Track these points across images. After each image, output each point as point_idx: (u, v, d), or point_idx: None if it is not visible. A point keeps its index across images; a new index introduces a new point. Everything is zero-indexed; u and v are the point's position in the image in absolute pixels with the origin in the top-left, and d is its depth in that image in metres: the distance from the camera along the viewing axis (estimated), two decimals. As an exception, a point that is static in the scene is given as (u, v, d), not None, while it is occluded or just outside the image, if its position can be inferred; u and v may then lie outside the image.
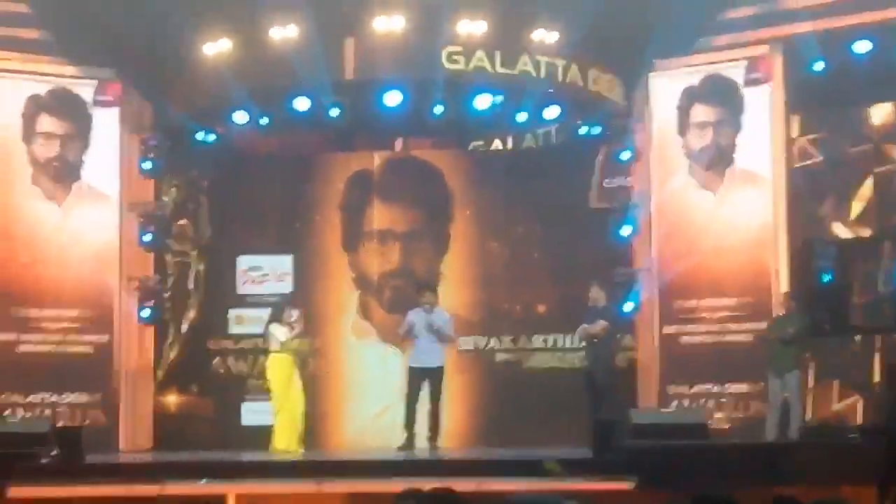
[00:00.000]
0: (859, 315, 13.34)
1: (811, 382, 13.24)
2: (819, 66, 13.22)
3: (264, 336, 13.38)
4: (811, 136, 13.73)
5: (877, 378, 13.07)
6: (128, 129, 14.44)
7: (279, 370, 13.12)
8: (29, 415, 13.48)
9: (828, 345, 13.20)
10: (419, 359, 12.97)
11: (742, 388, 13.34)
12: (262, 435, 13.24)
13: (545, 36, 13.23)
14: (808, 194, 13.70)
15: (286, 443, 12.93)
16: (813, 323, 12.42)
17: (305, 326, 13.60)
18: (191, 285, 15.35)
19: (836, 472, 9.56)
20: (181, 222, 15.38)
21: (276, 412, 13.10)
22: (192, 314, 15.30)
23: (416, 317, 13.01)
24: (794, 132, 13.67)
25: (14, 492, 9.92)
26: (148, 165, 14.73)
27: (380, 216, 15.44)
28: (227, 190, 15.41)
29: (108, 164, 14.26)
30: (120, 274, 14.18)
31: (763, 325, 12.94)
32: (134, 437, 14.21)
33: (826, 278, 13.38)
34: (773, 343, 12.39)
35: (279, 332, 13.11)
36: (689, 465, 9.77)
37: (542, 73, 13.37)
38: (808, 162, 13.71)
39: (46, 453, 10.86)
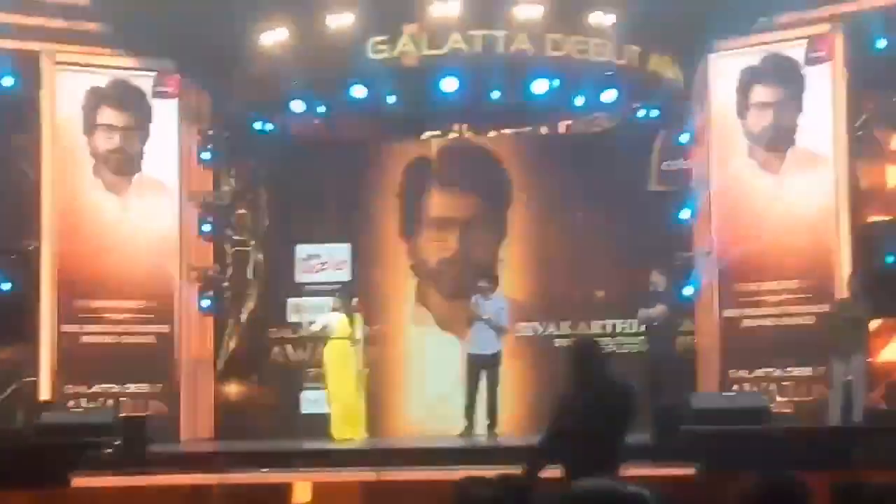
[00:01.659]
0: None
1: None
2: (882, 43, 13.02)
3: (319, 321, 13.41)
4: (873, 116, 13.51)
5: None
6: (186, 120, 14.55)
7: (336, 358, 13.17)
8: (92, 405, 13.64)
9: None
10: (477, 345, 12.96)
11: (804, 371, 13.18)
12: (322, 423, 13.30)
13: (602, 18, 13.11)
14: (871, 174, 13.49)
15: (343, 430, 12.97)
16: (876, 305, 12.24)
17: (364, 314, 13.63)
18: (250, 275, 15.43)
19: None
20: (240, 212, 15.47)
21: (332, 400, 13.15)
22: (251, 304, 15.38)
23: (474, 304, 13.00)
24: (857, 112, 13.45)
25: (78, 482, 10.03)
26: (207, 156, 14.83)
27: (437, 203, 15.42)
28: (285, 179, 15.46)
29: (168, 154, 14.37)
30: (180, 264, 14.29)
31: (825, 307, 12.79)
32: (195, 426, 14.33)
33: (890, 259, 13.20)
34: (836, 326, 12.23)
35: (332, 318, 13.18)
36: (750, 450, 9.68)
37: (600, 57, 13.26)
38: (871, 143, 13.50)
39: (110, 443, 10.97)
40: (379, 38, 12.96)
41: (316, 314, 14.05)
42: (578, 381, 6.55)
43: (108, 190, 14.21)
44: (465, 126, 15.98)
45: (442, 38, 13.03)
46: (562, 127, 15.96)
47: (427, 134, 15.93)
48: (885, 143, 13.58)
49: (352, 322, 13.38)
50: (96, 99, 14.22)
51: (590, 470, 5.92)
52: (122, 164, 14.28)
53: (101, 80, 14.26)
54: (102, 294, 14.00)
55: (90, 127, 14.19)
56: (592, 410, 6.33)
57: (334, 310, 13.42)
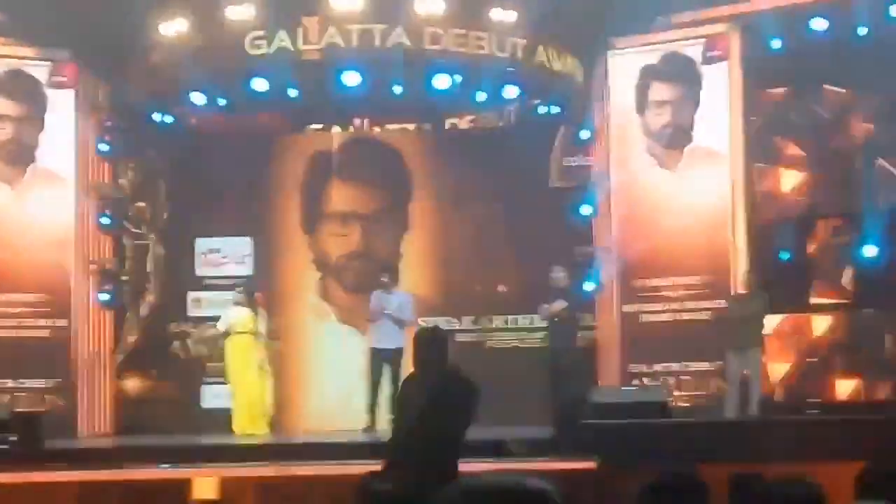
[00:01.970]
0: (816, 292, 13.49)
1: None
2: (777, 43, 13.27)
3: (222, 319, 13.32)
4: (768, 114, 13.78)
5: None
6: (84, 111, 14.31)
7: (238, 353, 13.09)
8: (-13, 401, 13.37)
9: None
10: (379, 340, 12.95)
11: (702, 365, 13.39)
12: (224, 418, 13.20)
13: (503, 15, 13.18)
14: (766, 171, 13.76)
15: (244, 425, 12.89)
16: (771, 300, 12.49)
17: (265, 308, 13.55)
18: (149, 268, 15.25)
19: (797, 448, 9.65)
20: (139, 204, 15.27)
21: (235, 395, 13.07)
22: (150, 297, 15.21)
23: (375, 299, 12.99)
24: (753, 111, 13.71)
25: (-27, 478, 9.83)
26: (104, 147, 14.61)
27: (339, 197, 15.38)
28: (184, 172, 15.30)
29: (65, 146, 14.12)
30: (77, 258, 14.06)
31: (722, 303, 13.00)
32: (94, 422, 14.13)
33: (784, 256, 13.49)
34: (733, 321, 12.44)
35: (232, 313, 13.09)
36: (650, 444, 9.81)
37: (501, 53, 13.33)
38: (766, 140, 13.77)
39: (5, 439, 10.77)
40: (280, 30, 12.89)
41: (217, 309, 13.96)
42: (421, 371, 6.47)
43: (1, 181, 13.93)
44: (366, 120, 15.97)
45: (344, 31, 13.00)
46: (463, 122, 16.03)
47: (329, 128, 15.87)
48: (780, 148, 13.88)
49: (255, 316, 13.30)
50: (-10, 88, 13.95)
51: (429, 464, 5.91)
52: (15, 155, 14.00)
53: (-5, 69, 14.00)
54: (-4, 288, 13.75)
55: (-17, 117, 13.92)
56: (433, 401, 6.25)
57: (236, 304, 13.33)
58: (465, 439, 6.23)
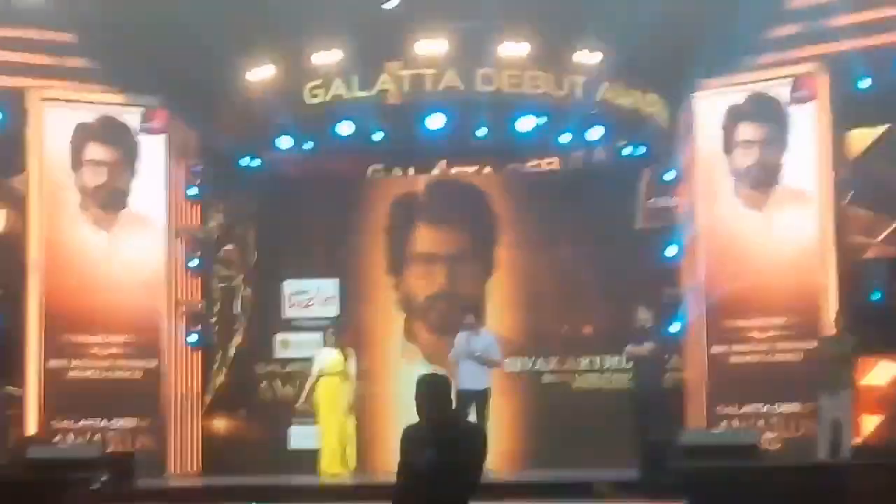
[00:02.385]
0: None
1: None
2: (865, 83, 13.15)
3: (315, 361, 13.37)
4: (857, 155, 13.62)
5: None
6: (174, 156, 14.57)
7: (325, 393, 13.15)
8: (79, 440, 13.58)
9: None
10: (465, 381, 12.93)
11: (792, 407, 13.22)
12: (310, 459, 13.27)
13: (588, 57, 13.22)
14: (856, 212, 13.58)
15: (333, 466, 12.94)
16: (863, 342, 12.30)
17: (352, 350, 13.62)
18: (237, 310, 15.42)
19: (890, 493, 9.46)
20: (227, 247, 15.47)
21: (323, 435, 13.12)
22: (238, 338, 15.37)
23: (462, 339, 13.00)
24: (842, 150, 13.55)
25: (66, 517, 9.97)
26: (194, 191, 14.85)
27: (424, 239, 15.46)
28: (272, 215, 15.47)
29: (155, 190, 14.39)
30: (168, 299, 14.28)
31: (812, 344, 12.83)
32: (183, 461, 14.28)
33: (875, 296, 13.28)
34: (824, 362, 12.26)
35: (324, 355, 13.16)
36: (739, 487, 9.67)
37: (586, 95, 13.35)
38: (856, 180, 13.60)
39: (97, 479, 10.89)
40: (364, 75, 13.04)
41: (303, 350, 14.08)
42: (425, 418, 6.28)
43: (95, 225, 14.20)
44: (451, 162, 16.05)
45: (428, 75, 13.11)
46: (548, 164, 16.03)
47: (414, 170, 15.97)
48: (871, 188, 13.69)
49: (344, 358, 13.38)
50: (83, 135, 14.23)
51: None
52: (109, 200, 14.28)
53: (89, 115, 14.28)
54: (89, 329, 13.97)
55: (77, 163, 14.20)
56: (441, 448, 6.08)
57: (327, 346, 13.40)
58: (476, 484, 6.07)
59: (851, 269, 13.30)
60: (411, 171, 15.97)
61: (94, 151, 14.29)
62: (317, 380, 13.27)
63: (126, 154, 14.37)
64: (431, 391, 6.26)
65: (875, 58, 13.13)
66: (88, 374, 13.94)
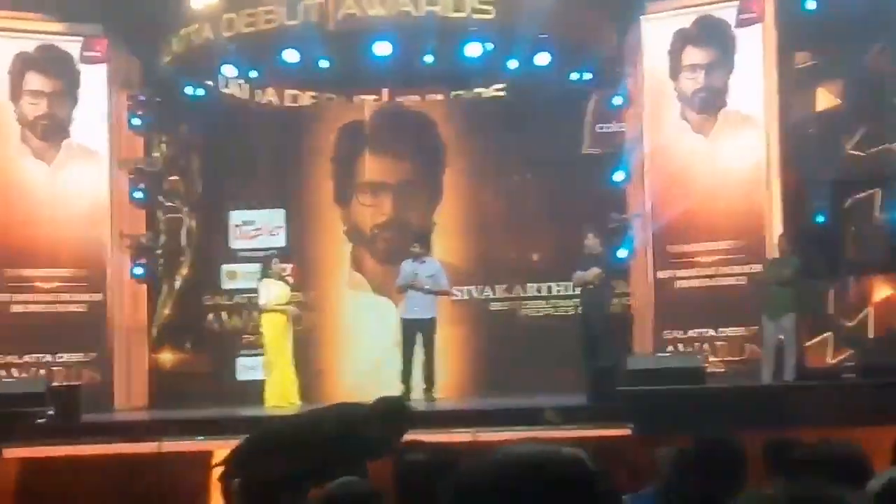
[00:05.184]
0: (852, 254, 13.33)
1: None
2: (811, 4, 13.12)
3: (262, 294, 13.27)
4: (802, 76, 13.61)
5: (871, 333, 13.03)
6: (116, 86, 14.34)
7: (273, 325, 13.09)
8: (24, 375, 13.47)
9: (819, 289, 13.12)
10: (411, 310, 12.91)
11: (737, 331, 13.32)
12: (258, 390, 13.24)
13: (536, -20, 13.09)
14: (801, 136, 13.60)
15: (278, 398, 12.90)
16: (807, 264, 12.39)
17: (298, 280, 13.55)
18: (183, 241, 15.31)
19: (831, 413, 9.58)
20: (172, 178, 15.32)
21: (270, 367, 13.08)
22: (184, 270, 15.27)
23: (408, 268, 12.96)
24: (787, 73, 13.55)
25: (10, 452, 9.91)
26: (137, 122, 14.62)
27: (371, 167, 15.37)
28: (217, 145, 15.33)
29: (97, 121, 14.16)
30: (112, 232, 14.12)
31: (758, 267, 12.91)
32: (129, 395, 14.21)
33: (819, 219, 13.36)
34: (768, 286, 12.35)
35: (273, 287, 13.07)
36: (685, 410, 9.76)
37: (532, 20, 13.23)
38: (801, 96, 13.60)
39: (42, 413, 10.84)
40: (310, 1, 12.86)
41: (250, 282, 14.00)
42: (383, 442, 6.08)
43: (36, 157, 13.99)
44: (398, 89, 15.91)
45: (374, 0, 12.95)
46: (495, 90, 15.93)
47: (360, 97, 15.83)
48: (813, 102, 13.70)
49: (290, 290, 13.29)
50: (23, 64, 13.98)
51: None
52: (49, 131, 14.06)
53: (28, 45, 14.01)
54: (33, 263, 13.81)
55: (17, 93, 13.96)
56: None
57: (271, 278, 13.27)
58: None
59: (795, 192, 13.36)
60: (357, 98, 15.83)
61: (34, 81, 14.05)
62: (262, 312, 13.19)
63: (67, 84, 14.13)
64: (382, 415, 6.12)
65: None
66: (32, 308, 13.80)
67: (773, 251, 12.79)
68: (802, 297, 12.40)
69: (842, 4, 13.04)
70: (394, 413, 6.52)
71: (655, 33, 13.93)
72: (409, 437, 6.08)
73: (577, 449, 2.29)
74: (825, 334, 13.11)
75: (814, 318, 13.03)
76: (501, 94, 15.77)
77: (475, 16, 13.18)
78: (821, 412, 9.67)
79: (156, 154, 15.10)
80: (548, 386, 12.88)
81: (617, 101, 14.49)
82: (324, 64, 13.78)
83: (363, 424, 6.38)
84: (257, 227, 15.27)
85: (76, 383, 13.08)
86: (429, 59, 13.79)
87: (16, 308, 13.76)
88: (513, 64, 14.17)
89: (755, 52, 13.43)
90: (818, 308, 13.03)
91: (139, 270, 14.53)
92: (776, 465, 5.27)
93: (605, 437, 9.46)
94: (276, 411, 12.61)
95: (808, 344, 12.74)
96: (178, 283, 15.20)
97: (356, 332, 15.06)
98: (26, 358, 13.67)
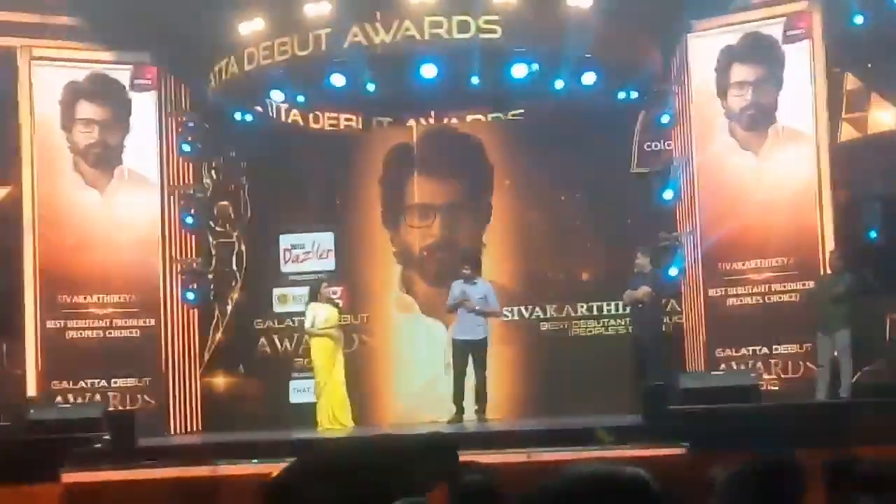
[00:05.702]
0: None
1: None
2: (859, 19, 13.04)
3: (309, 318, 13.30)
4: (853, 91, 13.52)
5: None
6: (165, 113, 14.49)
7: (322, 348, 13.12)
8: (80, 400, 13.59)
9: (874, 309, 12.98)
10: (463, 332, 12.92)
11: (791, 348, 13.22)
12: (311, 413, 13.27)
13: (580, 1, 13.08)
14: (852, 150, 13.50)
15: (330, 420, 12.92)
16: (860, 280, 12.28)
17: (348, 303, 13.58)
18: (234, 266, 15.39)
19: (891, 431, 9.47)
20: (222, 203, 15.42)
21: (320, 390, 13.10)
22: (236, 295, 15.36)
23: (457, 289, 12.97)
24: (836, 88, 13.46)
25: (68, 477, 9.99)
26: (187, 148, 14.74)
27: (420, 189, 15.40)
28: (266, 169, 15.42)
29: (148, 147, 14.34)
30: (163, 257, 14.25)
31: (810, 284, 12.82)
32: (183, 419, 14.30)
33: (873, 235, 13.24)
34: (821, 302, 12.25)
35: (320, 311, 13.11)
36: (739, 428, 9.69)
37: (578, 39, 13.22)
38: (853, 116, 13.51)
39: (99, 438, 10.92)
40: (356, 26, 12.91)
41: (301, 306, 14.05)
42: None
43: (88, 185, 14.16)
44: (445, 112, 15.93)
45: (419, 24, 12.98)
46: (542, 111, 15.90)
47: (407, 120, 15.88)
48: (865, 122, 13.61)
49: (340, 312, 13.34)
50: (74, 93, 14.17)
51: None
52: (101, 159, 14.23)
53: (78, 74, 14.21)
54: (86, 289, 13.96)
55: (68, 122, 14.14)
56: None
57: (320, 301, 13.31)
58: None
59: (847, 208, 13.25)
60: (405, 121, 15.87)
61: (85, 110, 14.24)
62: (312, 336, 13.22)
63: (117, 112, 14.31)
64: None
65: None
66: (86, 333, 13.94)
67: (825, 268, 12.69)
68: (856, 314, 12.29)
69: (890, 18, 12.94)
70: (442, 452, 6.43)
71: (702, 51, 13.90)
72: (464, 457, 6.08)
73: (639, 468, 2.29)
74: (881, 359, 12.94)
75: (870, 339, 12.86)
76: (549, 113, 15.73)
77: (522, 36, 13.17)
78: (879, 430, 9.55)
79: (206, 180, 15.23)
80: (600, 405, 12.83)
81: (664, 119, 14.44)
82: (370, 87, 13.83)
83: (408, 462, 6.35)
84: (307, 251, 15.34)
85: (131, 408, 13.21)
86: (475, 80, 13.81)
87: (70, 334, 13.91)
88: (559, 84, 14.16)
89: (803, 67, 13.37)
90: (875, 328, 12.87)
91: (191, 295, 14.63)
92: (835, 484, 5.21)
93: (660, 456, 9.40)
94: (328, 434, 12.66)
95: (865, 369, 12.57)
96: (229, 308, 15.28)
97: (407, 354, 15.08)
98: (81, 384, 13.82)
